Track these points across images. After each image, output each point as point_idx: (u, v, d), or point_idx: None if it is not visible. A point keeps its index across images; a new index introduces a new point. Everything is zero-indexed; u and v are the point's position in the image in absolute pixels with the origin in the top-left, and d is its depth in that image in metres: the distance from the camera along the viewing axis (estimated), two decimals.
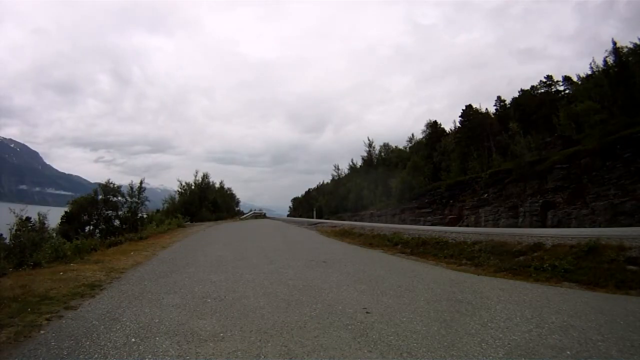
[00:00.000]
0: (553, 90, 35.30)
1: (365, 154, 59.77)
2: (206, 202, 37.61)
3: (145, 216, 25.39)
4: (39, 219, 11.15)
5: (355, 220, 38.20)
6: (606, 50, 26.46)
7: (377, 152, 58.70)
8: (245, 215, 47.88)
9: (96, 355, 2.94)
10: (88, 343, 3.17)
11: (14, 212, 8.80)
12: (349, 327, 3.70)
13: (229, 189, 52.42)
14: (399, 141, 55.64)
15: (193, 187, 37.77)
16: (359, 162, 62.20)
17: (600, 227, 16.26)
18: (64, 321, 3.76)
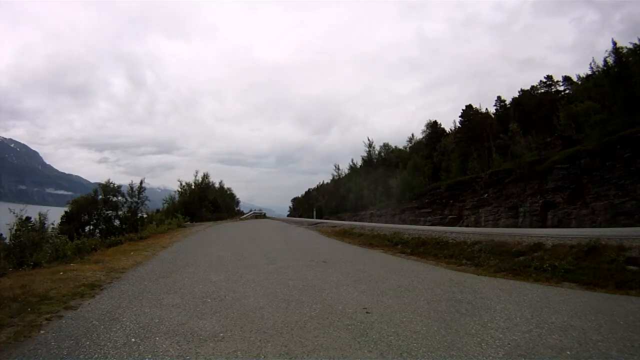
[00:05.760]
0: (553, 90, 35.31)
1: (366, 154, 59.80)
2: (206, 202, 37.60)
3: (145, 216, 25.42)
4: (39, 218, 11.17)
5: (355, 220, 38.20)
6: (606, 51, 26.46)
7: (377, 152, 58.71)
8: (245, 215, 47.86)
9: (96, 355, 2.94)
10: (88, 343, 3.17)
11: (14, 212, 8.81)
12: (349, 327, 3.69)
13: (229, 189, 52.53)
14: (403, 143, 55.47)
15: (193, 187, 37.75)
16: (359, 162, 62.23)
17: (600, 227, 16.26)
18: (63, 321, 3.76)
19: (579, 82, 32.18)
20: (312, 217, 47.42)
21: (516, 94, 37.82)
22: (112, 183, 26.03)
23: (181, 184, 37.52)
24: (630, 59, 24.85)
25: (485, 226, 24.67)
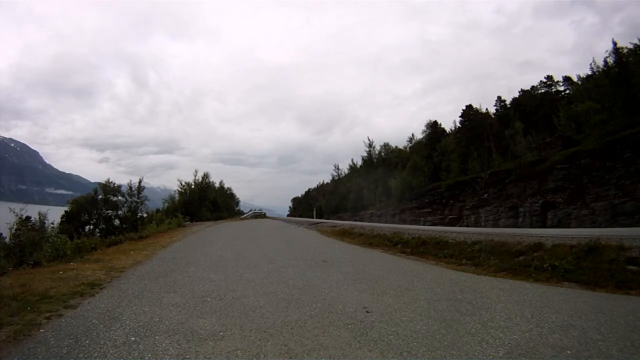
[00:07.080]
0: (553, 90, 35.32)
1: (366, 154, 59.81)
2: (206, 202, 37.58)
3: (145, 216, 25.40)
4: (39, 218, 11.15)
5: (355, 220, 38.21)
6: (607, 51, 26.48)
7: (377, 152, 58.72)
8: (245, 215, 47.89)
9: (95, 354, 2.94)
10: (87, 342, 3.16)
11: (14, 212, 8.80)
12: (349, 326, 3.69)
13: (229, 189, 52.56)
14: (403, 143, 55.53)
15: (193, 187, 37.72)
16: (359, 162, 62.24)
17: (600, 227, 16.26)
18: (63, 320, 3.76)
19: (579, 83, 32.19)
20: (312, 217, 47.42)
21: (516, 95, 37.86)
22: (112, 182, 26.05)
23: (181, 184, 37.53)
24: (631, 59, 24.86)
25: (485, 226, 24.67)
